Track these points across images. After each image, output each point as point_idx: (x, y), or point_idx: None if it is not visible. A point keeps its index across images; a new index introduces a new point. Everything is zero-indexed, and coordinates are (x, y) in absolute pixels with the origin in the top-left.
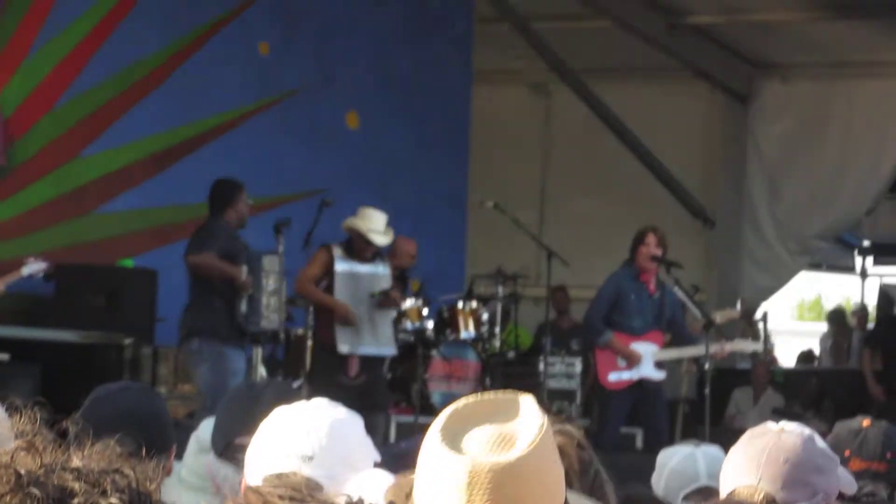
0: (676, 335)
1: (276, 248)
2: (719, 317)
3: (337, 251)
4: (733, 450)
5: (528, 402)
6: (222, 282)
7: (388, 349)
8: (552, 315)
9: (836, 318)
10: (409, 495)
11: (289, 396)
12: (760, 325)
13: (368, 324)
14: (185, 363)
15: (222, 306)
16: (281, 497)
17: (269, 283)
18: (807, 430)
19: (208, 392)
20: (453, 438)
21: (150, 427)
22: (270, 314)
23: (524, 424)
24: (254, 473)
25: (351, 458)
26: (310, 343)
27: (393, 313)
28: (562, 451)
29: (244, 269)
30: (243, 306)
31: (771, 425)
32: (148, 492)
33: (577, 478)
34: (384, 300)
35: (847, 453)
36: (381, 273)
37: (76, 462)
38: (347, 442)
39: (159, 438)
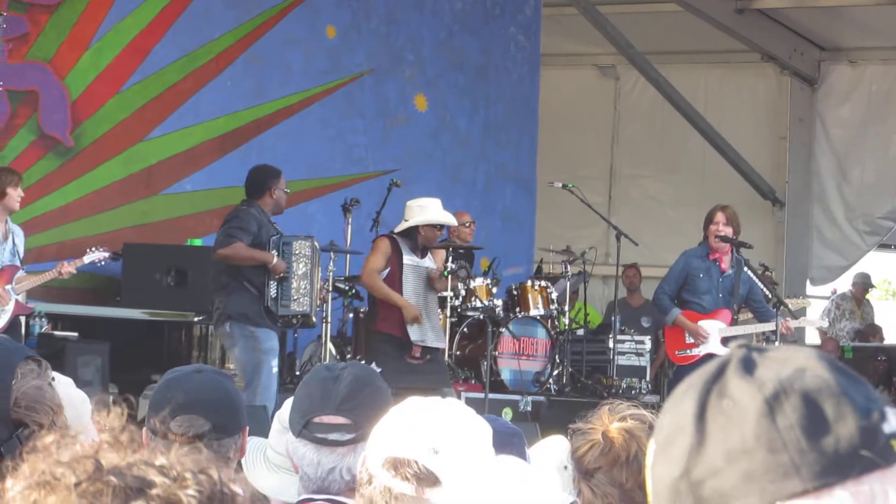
0: (756, 312)
1: (343, 226)
2: (791, 304)
3: (402, 243)
4: None
5: None
6: (253, 266)
7: (443, 342)
8: (623, 293)
9: None
10: None
11: (368, 378)
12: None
13: (427, 317)
14: (222, 343)
15: (252, 290)
16: None
17: (300, 266)
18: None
19: (243, 372)
20: None
21: (222, 410)
22: (301, 297)
23: None
24: (376, 453)
25: (473, 463)
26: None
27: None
28: (632, 435)
29: (274, 252)
30: (273, 290)
31: None
32: (232, 493)
33: None
34: (438, 282)
35: None
36: (433, 267)
37: (161, 460)
38: (476, 446)
39: (231, 421)
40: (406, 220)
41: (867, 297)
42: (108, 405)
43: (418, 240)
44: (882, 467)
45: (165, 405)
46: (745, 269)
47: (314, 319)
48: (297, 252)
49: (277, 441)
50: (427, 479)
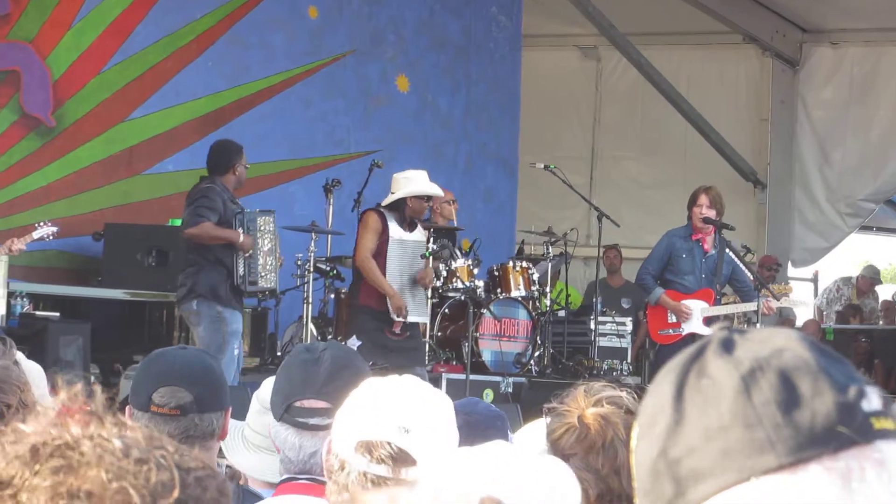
0: (740, 292)
1: (325, 207)
2: (785, 301)
3: (390, 216)
4: None
5: None
6: (221, 245)
7: (426, 317)
8: (603, 274)
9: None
10: None
11: (348, 359)
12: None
13: (411, 293)
14: (185, 320)
15: (220, 268)
16: None
17: (265, 242)
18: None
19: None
20: None
21: (204, 383)
22: (268, 273)
23: None
24: (344, 438)
25: (442, 438)
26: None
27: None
28: (608, 421)
29: (240, 230)
30: (241, 267)
31: None
32: (186, 469)
33: (625, 446)
34: (421, 275)
35: None
36: (422, 240)
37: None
38: (442, 422)
39: (214, 396)
40: (393, 193)
41: (875, 288)
42: (55, 384)
43: (406, 212)
44: (860, 444)
45: (148, 378)
46: (728, 250)
47: (279, 294)
48: (261, 228)
49: (256, 421)
50: (402, 458)
